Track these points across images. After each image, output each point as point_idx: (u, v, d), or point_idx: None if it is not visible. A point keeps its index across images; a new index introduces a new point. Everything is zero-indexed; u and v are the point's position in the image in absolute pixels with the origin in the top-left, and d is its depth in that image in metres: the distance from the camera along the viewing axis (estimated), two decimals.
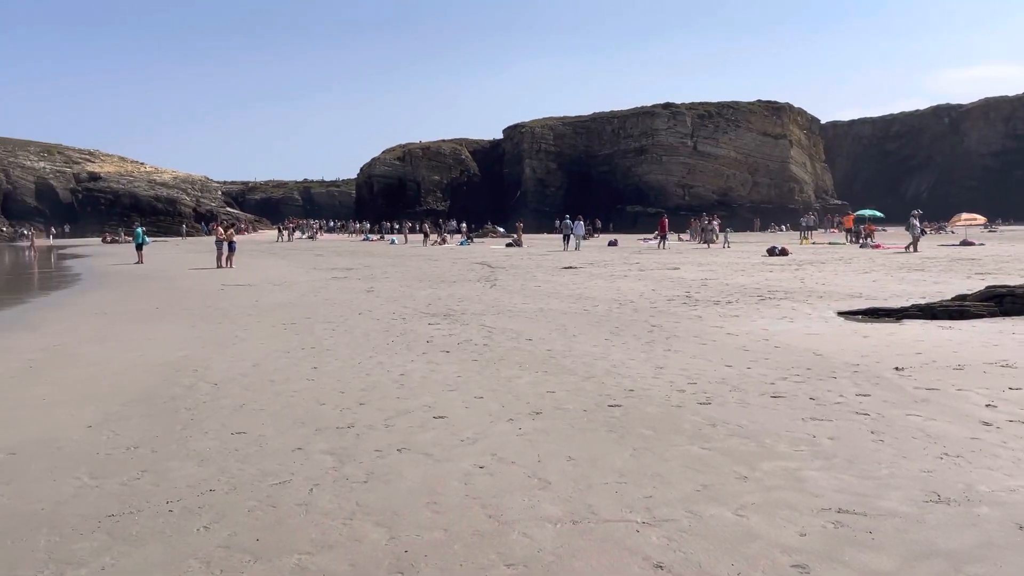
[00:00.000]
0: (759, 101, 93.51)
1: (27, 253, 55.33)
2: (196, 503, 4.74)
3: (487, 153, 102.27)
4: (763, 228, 78.14)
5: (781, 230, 75.26)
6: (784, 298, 15.47)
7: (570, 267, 26.25)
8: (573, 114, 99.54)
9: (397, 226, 75.18)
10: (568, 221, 45.57)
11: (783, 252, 32.03)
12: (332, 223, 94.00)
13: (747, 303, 14.73)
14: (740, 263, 27.41)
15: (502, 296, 17.00)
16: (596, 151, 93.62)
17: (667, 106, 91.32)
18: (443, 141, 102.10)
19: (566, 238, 43.73)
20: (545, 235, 69.08)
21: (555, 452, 5.63)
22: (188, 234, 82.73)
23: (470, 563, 3.86)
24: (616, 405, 6.98)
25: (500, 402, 7.20)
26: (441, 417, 6.70)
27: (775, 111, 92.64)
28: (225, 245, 30.60)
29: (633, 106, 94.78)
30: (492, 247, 46.25)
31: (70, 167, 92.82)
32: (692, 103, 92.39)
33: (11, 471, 5.48)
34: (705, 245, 44.60)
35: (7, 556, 4.05)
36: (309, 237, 72.48)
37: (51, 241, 74.62)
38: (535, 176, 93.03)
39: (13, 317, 16.20)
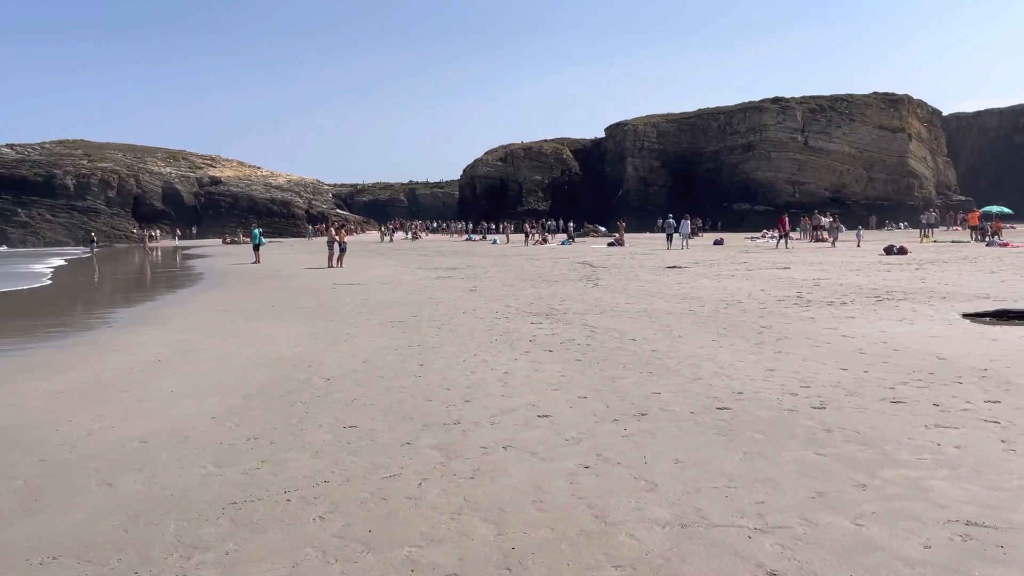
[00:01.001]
0: (875, 93, 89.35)
1: (154, 254, 58.86)
2: (312, 493, 4.93)
3: (588, 152, 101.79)
4: (879, 226, 74.62)
5: (899, 228, 71.70)
6: (903, 299, 14.72)
7: (674, 266, 25.82)
8: (677, 111, 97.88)
9: (498, 226, 75.89)
10: (671, 220, 44.85)
11: (902, 251, 30.49)
12: (435, 224, 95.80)
13: (863, 304, 14.10)
14: (855, 262, 26.27)
15: (604, 296, 16.89)
16: (701, 148, 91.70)
17: (776, 100, 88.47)
18: (544, 141, 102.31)
19: (669, 237, 43.04)
20: (647, 234, 68.23)
21: (661, 454, 5.55)
22: (301, 235, 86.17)
23: (577, 563, 3.85)
24: (724, 408, 6.82)
25: (604, 402, 7.16)
26: (545, 416, 6.72)
27: (892, 103, 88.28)
28: (336, 245, 31.68)
29: (740, 101, 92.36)
30: (594, 246, 46.03)
31: (193, 172, 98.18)
32: (803, 97, 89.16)
33: (143, 459, 5.84)
34: (829, 243, 42.81)
35: (141, 538, 4.32)
36: (412, 237, 74.13)
37: (176, 242, 79.13)
38: (637, 174, 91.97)
39: (143, 314, 17.26)
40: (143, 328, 14.06)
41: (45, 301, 22.28)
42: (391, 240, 66.51)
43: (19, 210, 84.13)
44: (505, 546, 4.05)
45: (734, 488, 4.82)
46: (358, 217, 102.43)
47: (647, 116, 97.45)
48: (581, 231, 69.03)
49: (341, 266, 30.51)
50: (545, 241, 55.37)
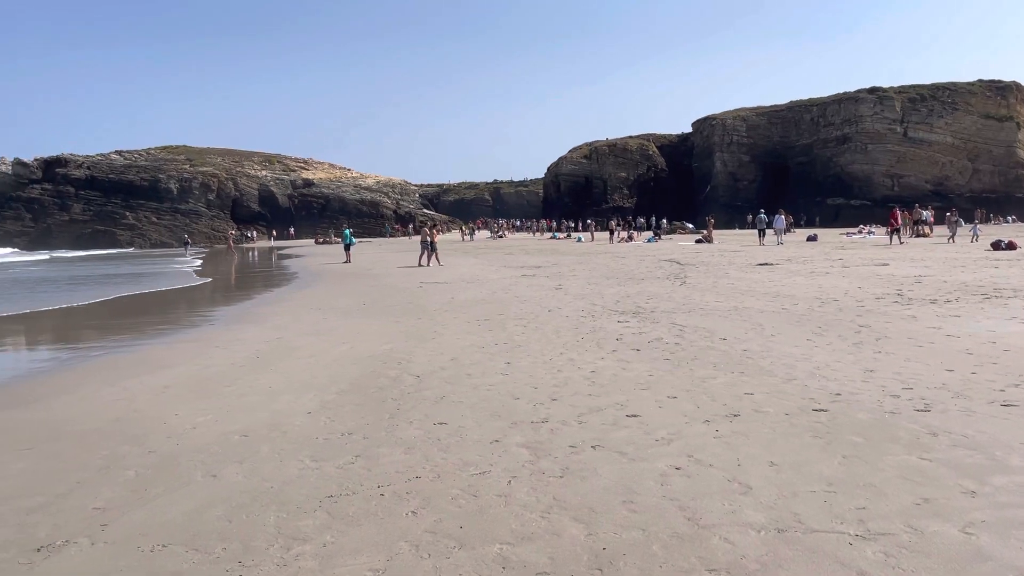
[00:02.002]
0: (980, 81, 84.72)
1: (251, 254, 61.15)
2: (404, 488, 5.02)
3: (675, 147, 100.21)
4: (985, 220, 70.78)
5: (1007, 222, 67.85)
6: (1013, 296, 13.93)
7: (765, 263, 25.15)
8: (767, 104, 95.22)
9: (583, 224, 75.58)
10: (763, 215, 43.69)
11: (1011, 246, 28.81)
12: (519, 222, 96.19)
13: (969, 302, 13.41)
14: (960, 258, 25.00)
15: (693, 294, 16.60)
16: (793, 141, 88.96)
17: (873, 91, 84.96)
18: (630, 137, 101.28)
19: (762, 233, 41.93)
20: (737, 230, 66.74)
21: (756, 456, 5.42)
22: (389, 235, 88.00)
23: (670, 565, 3.80)
24: (821, 409, 6.60)
25: (695, 402, 7.03)
26: (634, 416, 6.65)
27: (1000, 91, 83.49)
28: (428, 244, 32.24)
29: (834, 92, 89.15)
30: (681, 243, 45.30)
31: (288, 175, 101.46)
32: (901, 87, 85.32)
33: (244, 452, 6.07)
34: (930, 238, 40.80)
35: (243, 529, 4.49)
36: (498, 236, 74.65)
37: (272, 242, 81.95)
38: (726, 170, 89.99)
39: (243, 311, 17.95)
40: (242, 326, 14.62)
41: (209, 295, 23.43)
42: (471, 239, 67.14)
43: (127, 213, 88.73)
44: (596, 546, 4.03)
45: (833, 493, 4.66)
46: (444, 216, 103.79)
47: (736, 110, 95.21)
48: (667, 228, 68.03)
49: (429, 264, 30.99)
50: (631, 238, 54.84)
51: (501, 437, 6.14)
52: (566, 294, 17.72)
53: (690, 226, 69.29)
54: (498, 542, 4.12)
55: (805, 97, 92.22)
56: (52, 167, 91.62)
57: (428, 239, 32.59)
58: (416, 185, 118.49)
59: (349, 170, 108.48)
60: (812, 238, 45.84)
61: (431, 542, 4.16)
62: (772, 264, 24.82)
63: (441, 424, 6.61)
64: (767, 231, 41.90)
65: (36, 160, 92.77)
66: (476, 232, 74.66)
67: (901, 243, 35.89)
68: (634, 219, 73.78)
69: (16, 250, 75.69)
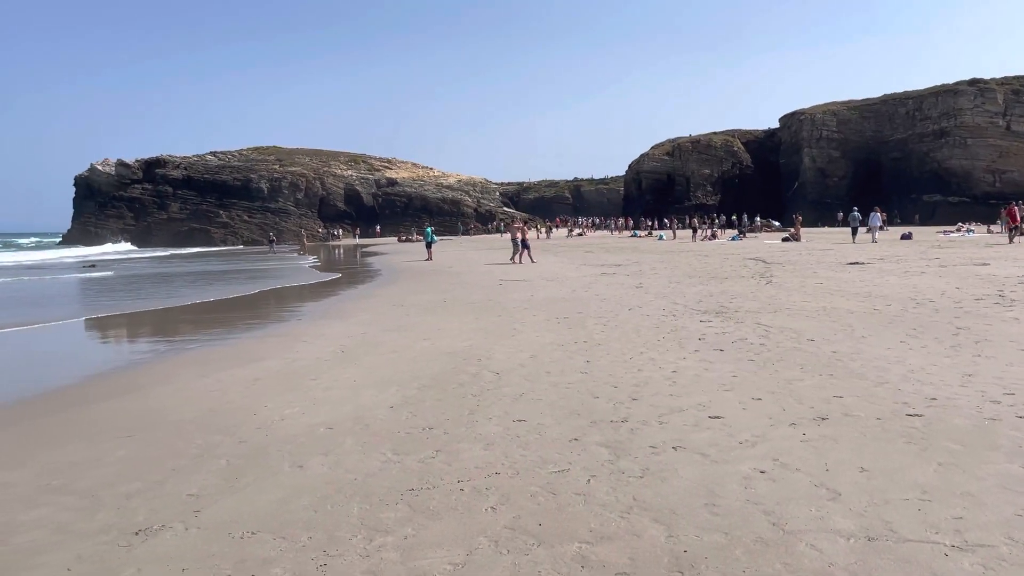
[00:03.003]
0: None
1: (337, 251, 62.69)
2: (484, 484, 5.06)
3: (761, 143, 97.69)
4: None
5: None
6: None
7: (856, 262, 24.27)
8: (859, 97, 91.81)
9: (664, 221, 74.57)
10: (856, 212, 42.14)
11: None
12: (598, 220, 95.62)
13: None
14: None
15: (779, 293, 16.16)
16: (886, 136, 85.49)
17: (973, 82, 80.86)
18: (714, 134, 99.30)
19: (854, 231, 40.46)
20: (826, 228, 64.63)
21: (845, 461, 5.23)
22: (469, 233, 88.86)
23: (753, 571, 3.71)
24: (916, 415, 6.32)
25: (780, 405, 6.85)
26: (717, 417, 6.52)
27: None
28: (520, 242, 32.42)
29: (931, 84, 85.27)
30: (767, 242, 44.17)
31: (372, 174, 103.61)
32: (1004, 78, 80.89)
33: (329, 444, 6.23)
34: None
35: (328, 519, 4.61)
36: (579, 234, 74.40)
37: (356, 240, 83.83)
38: (815, 166, 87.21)
39: (328, 307, 18.43)
40: (328, 321, 15.00)
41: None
42: (548, 237, 67.06)
43: (220, 212, 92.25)
44: (676, 548, 3.97)
45: (928, 501, 4.46)
46: (524, 214, 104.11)
47: (826, 104, 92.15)
48: (753, 226, 66.44)
49: (521, 262, 31.09)
50: (714, 236, 53.81)
51: (580, 436, 6.11)
52: (647, 293, 17.52)
53: (776, 224, 67.45)
54: (577, 540, 4.11)
55: (900, 90, 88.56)
56: (152, 168, 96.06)
57: (521, 236, 32.70)
58: (496, 183, 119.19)
59: (431, 169, 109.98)
60: (906, 236, 43.96)
61: (510, 538, 4.18)
62: (863, 263, 23.93)
63: (520, 421, 6.63)
64: (859, 229, 40.39)
65: (137, 161, 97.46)
66: (553, 230, 74.58)
67: (1019, 242, 33.39)
68: (718, 217, 72.31)
69: (132, 247, 79.63)
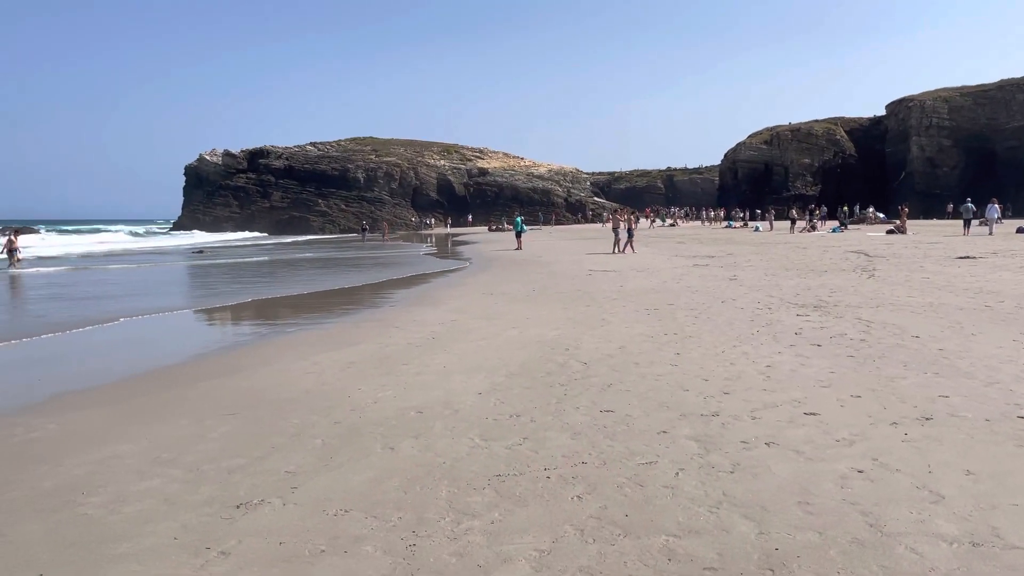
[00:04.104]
0: None
1: (431, 239, 63.67)
2: (570, 473, 5.06)
3: (865, 132, 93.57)
4: None
5: None
6: None
7: (966, 256, 23.02)
8: (973, 83, 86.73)
9: (760, 212, 72.55)
10: (970, 204, 39.95)
11: None
12: (686, 210, 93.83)
13: None
14: None
15: (882, 288, 15.50)
16: (1002, 124, 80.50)
17: None
18: (815, 122, 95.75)
19: (967, 223, 38.38)
20: (934, 221, 61.58)
21: (949, 463, 4.99)
22: (560, 223, 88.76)
23: (849, 572, 3.59)
24: None
25: (881, 403, 6.58)
26: (812, 414, 6.32)
27: None
28: (624, 232, 32.13)
29: None
30: (870, 234, 42.38)
31: (464, 164, 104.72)
32: None
33: (420, 427, 6.35)
34: None
35: (417, 500, 4.71)
36: (670, 224, 73.21)
37: (448, 229, 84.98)
38: (923, 155, 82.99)
39: (421, 294, 18.77)
40: (419, 308, 15.28)
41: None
42: (635, 227, 66.12)
43: (319, 201, 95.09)
44: (767, 546, 3.87)
45: None
46: (614, 204, 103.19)
47: (936, 90, 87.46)
48: (855, 217, 63.87)
49: (624, 252, 30.84)
50: (813, 228, 52.00)
51: (669, 428, 6.03)
52: (741, 285, 17.11)
53: (881, 215, 64.58)
54: (664, 533, 4.06)
55: (1018, 75, 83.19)
56: (255, 158, 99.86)
57: (627, 226, 32.39)
58: (587, 173, 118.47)
59: (522, 159, 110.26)
60: (1021, 230, 41.41)
61: (596, 528, 4.17)
62: (974, 257, 22.67)
63: (608, 412, 6.59)
64: (972, 221, 38.27)
65: (242, 152, 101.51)
66: (640, 220, 73.55)
67: None
68: (817, 208, 69.83)
69: (262, 234, 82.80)
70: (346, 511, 4.56)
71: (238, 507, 4.68)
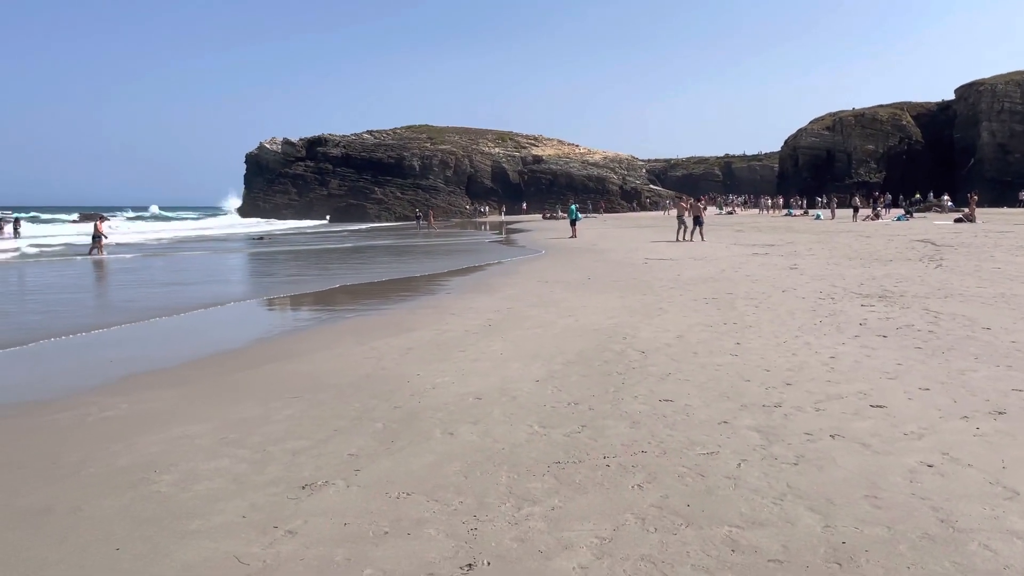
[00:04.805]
0: None
1: (485, 226, 63.83)
2: (630, 462, 5.04)
3: (933, 117, 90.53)
4: None
5: None
6: None
7: None
8: None
9: (820, 200, 70.89)
10: None
11: None
12: (743, 198, 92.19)
13: None
14: None
15: (950, 278, 15.02)
16: None
17: None
18: (879, 107, 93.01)
19: None
20: (1005, 209, 59.38)
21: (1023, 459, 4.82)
22: (615, 210, 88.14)
23: (919, 568, 3.50)
24: None
25: (951, 396, 6.39)
26: (879, 406, 6.17)
27: None
28: (689, 219, 31.76)
29: None
30: (936, 223, 41.05)
31: (518, 151, 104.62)
32: None
33: (478, 413, 6.40)
34: None
35: (478, 485, 4.75)
36: (728, 212, 72.12)
37: (502, 217, 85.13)
38: (994, 141, 79.94)
39: (476, 281, 18.87)
40: (475, 295, 15.36)
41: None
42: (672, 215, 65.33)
43: (375, 189, 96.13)
44: (834, 539, 3.80)
45: None
46: (670, 192, 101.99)
47: (1009, 73, 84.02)
48: (921, 205, 61.95)
49: (690, 240, 30.51)
50: (877, 216, 50.60)
51: (730, 419, 5.96)
52: (802, 274, 16.76)
53: (948, 203, 62.52)
54: (727, 524, 4.02)
55: None
56: (314, 146, 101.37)
57: (693, 213, 31.99)
58: (643, 160, 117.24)
59: (576, 146, 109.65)
60: None
61: (657, 517, 4.15)
62: None
63: (667, 401, 6.54)
64: None
65: (300, 140, 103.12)
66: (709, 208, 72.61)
67: None
68: (882, 195, 67.90)
69: (326, 221, 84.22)
70: (408, 494, 4.62)
71: (303, 488, 4.79)
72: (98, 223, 32.93)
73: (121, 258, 29.72)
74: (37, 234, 50.54)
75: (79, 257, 29.68)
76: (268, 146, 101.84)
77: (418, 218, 74.26)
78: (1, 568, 3.84)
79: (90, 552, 3.98)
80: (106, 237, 32.37)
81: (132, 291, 18.06)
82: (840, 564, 3.56)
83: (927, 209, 59.99)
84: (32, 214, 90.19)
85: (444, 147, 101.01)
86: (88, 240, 32.40)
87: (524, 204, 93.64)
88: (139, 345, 10.72)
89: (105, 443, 5.84)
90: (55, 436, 6.13)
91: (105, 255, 30.30)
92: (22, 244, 37.31)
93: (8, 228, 50.20)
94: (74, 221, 74.40)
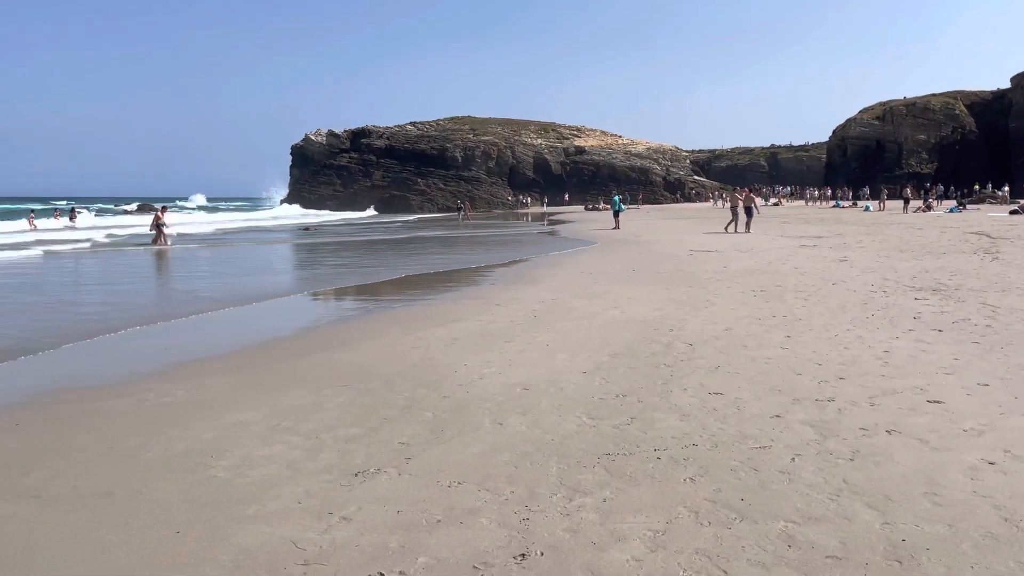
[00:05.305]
0: None
1: (527, 218, 63.79)
2: (681, 455, 5.00)
3: (987, 106, 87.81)
4: None
5: None
6: None
7: None
8: None
9: (869, 191, 69.36)
10: None
11: None
12: (794, 189, 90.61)
13: None
14: None
15: (1007, 271, 14.60)
16: None
17: None
18: (932, 96, 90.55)
19: None
20: None
21: None
22: (659, 202, 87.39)
23: (983, 567, 3.42)
24: None
25: (1012, 392, 6.22)
26: (936, 402, 6.03)
27: None
28: (741, 211, 31.43)
29: None
30: (991, 215, 39.91)
31: (561, 142, 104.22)
32: None
33: (526, 404, 6.41)
34: None
35: (528, 476, 4.76)
36: (774, 203, 71.03)
37: (544, 208, 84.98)
38: None
39: (520, 272, 18.87)
40: (519, 286, 15.37)
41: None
42: (722, 207, 64.45)
43: (419, 180, 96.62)
44: (894, 537, 3.73)
45: None
46: (714, 183, 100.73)
47: None
48: (975, 197, 60.25)
49: (748, 231, 30.19)
50: (929, 208, 49.38)
51: (782, 413, 5.88)
52: (852, 267, 16.45)
53: (1003, 194, 60.69)
54: (782, 519, 3.97)
55: None
56: (358, 138, 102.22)
57: (745, 204, 31.63)
58: (687, 151, 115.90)
59: (619, 137, 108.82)
60: None
61: (711, 511, 4.12)
62: None
63: (717, 394, 6.48)
64: None
65: (345, 132, 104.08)
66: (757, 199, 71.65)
67: None
68: (933, 186, 66.22)
69: (375, 213, 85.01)
70: (459, 483, 4.65)
71: (356, 475, 4.85)
72: (159, 213, 33.35)
73: (185, 248, 30.24)
74: (98, 224, 51.90)
75: (142, 247, 30.39)
76: (313, 138, 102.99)
77: (459, 209, 74.56)
78: (66, 549, 3.96)
79: (151, 535, 4.09)
80: (168, 227, 32.90)
81: (194, 282, 18.44)
82: (900, 562, 3.49)
83: (980, 200, 58.36)
84: (97, 206, 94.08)
85: (486, 138, 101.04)
86: (150, 231, 33.01)
87: (566, 195, 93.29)
88: (192, 333, 10.94)
89: (163, 428, 5.98)
90: (114, 421, 6.29)
91: (169, 244, 30.93)
92: (94, 235, 38.13)
93: (65, 218, 51.97)
94: (131, 212, 76.83)
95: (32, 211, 53.92)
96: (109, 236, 38.24)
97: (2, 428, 6.17)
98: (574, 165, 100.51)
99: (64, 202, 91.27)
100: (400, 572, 3.58)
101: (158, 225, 31.92)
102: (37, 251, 27.74)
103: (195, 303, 13.62)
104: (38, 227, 43.50)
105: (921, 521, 3.90)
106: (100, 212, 78.08)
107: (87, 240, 34.54)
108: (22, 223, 44.35)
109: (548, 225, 49.60)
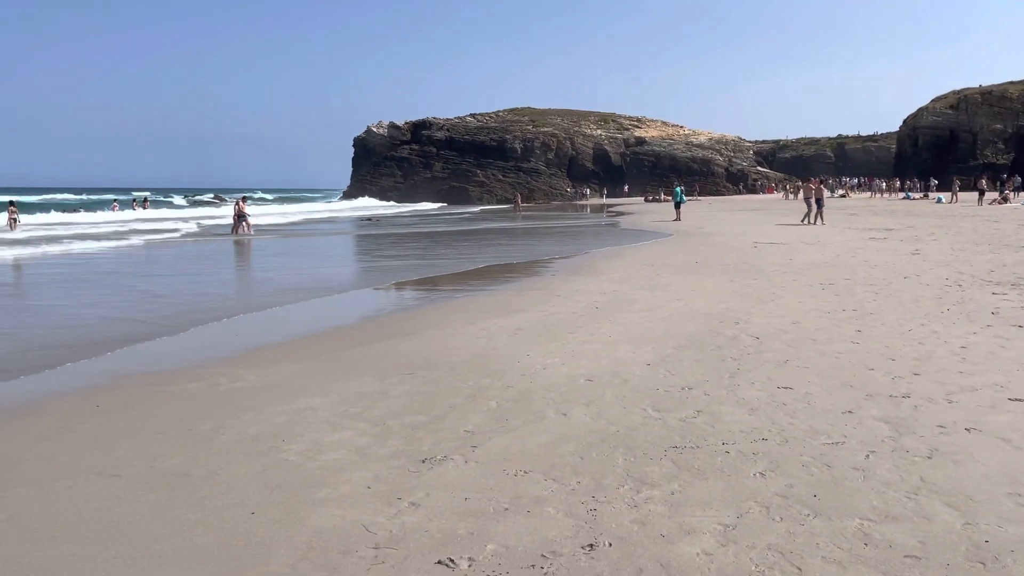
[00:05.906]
0: None
1: (586, 209, 63.46)
2: (750, 449, 4.92)
3: None
4: None
5: None
6: None
7: None
8: None
9: (940, 182, 66.96)
10: None
11: None
12: (861, 180, 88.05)
13: None
14: None
15: None
16: None
17: None
18: (1010, 83, 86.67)
19: None
20: None
21: None
22: (721, 193, 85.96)
23: None
24: None
25: None
26: (1018, 400, 5.82)
27: None
28: (813, 202, 30.86)
29: None
30: None
31: (621, 133, 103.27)
32: None
33: (590, 395, 6.39)
34: None
35: (594, 466, 4.74)
36: (841, 195, 69.18)
37: (604, 200, 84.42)
38: None
39: (580, 264, 18.79)
40: (580, 277, 15.31)
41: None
42: (796, 197, 62.90)
43: (478, 171, 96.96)
44: (976, 538, 3.61)
45: None
46: (778, 174, 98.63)
47: None
48: None
49: (822, 223, 29.62)
50: (1005, 200, 47.43)
51: (855, 408, 5.74)
52: (925, 260, 15.93)
53: None
54: (858, 517, 3.87)
55: None
56: (418, 129, 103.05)
57: (816, 195, 31.04)
58: (751, 142, 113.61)
59: (681, 127, 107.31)
60: None
61: (783, 506, 4.04)
62: None
63: (786, 388, 6.36)
64: None
65: (406, 123, 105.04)
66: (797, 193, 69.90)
67: None
68: (1010, 178, 63.55)
69: (443, 204, 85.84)
70: (525, 472, 4.67)
71: (423, 462, 4.90)
72: (240, 204, 34.12)
73: (264, 239, 30.96)
74: (171, 215, 53.82)
75: (223, 237, 31.38)
76: (375, 130, 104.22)
77: (515, 201, 74.61)
78: (147, 527, 4.09)
79: (227, 515, 4.20)
80: (249, 217, 33.78)
81: (271, 273, 18.97)
82: (984, 564, 3.38)
83: None
84: (183, 196, 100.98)
85: (546, 129, 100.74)
86: (230, 220, 34.06)
87: (626, 187, 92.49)
88: (262, 322, 11.20)
89: (237, 412, 6.15)
90: (189, 404, 6.49)
91: (252, 233, 31.86)
92: (183, 226, 39.48)
93: (139, 208, 54.55)
94: (211, 203, 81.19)
95: (115, 200, 57.56)
96: (200, 226, 39.77)
97: (84, 410, 6.43)
98: (634, 156, 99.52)
99: (141, 192, 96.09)
100: (469, 559, 3.61)
101: (239, 215, 32.75)
102: (137, 240, 29.02)
103: (274, 295, 13.95)
104: (127, 215, 47.00)
105: (1005, 522, 3.76)
106: (191, 204, 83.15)
107: (175, 230, 35.79)
108: (104, 213, 47.77)
109: (608, 217, 49.25)
